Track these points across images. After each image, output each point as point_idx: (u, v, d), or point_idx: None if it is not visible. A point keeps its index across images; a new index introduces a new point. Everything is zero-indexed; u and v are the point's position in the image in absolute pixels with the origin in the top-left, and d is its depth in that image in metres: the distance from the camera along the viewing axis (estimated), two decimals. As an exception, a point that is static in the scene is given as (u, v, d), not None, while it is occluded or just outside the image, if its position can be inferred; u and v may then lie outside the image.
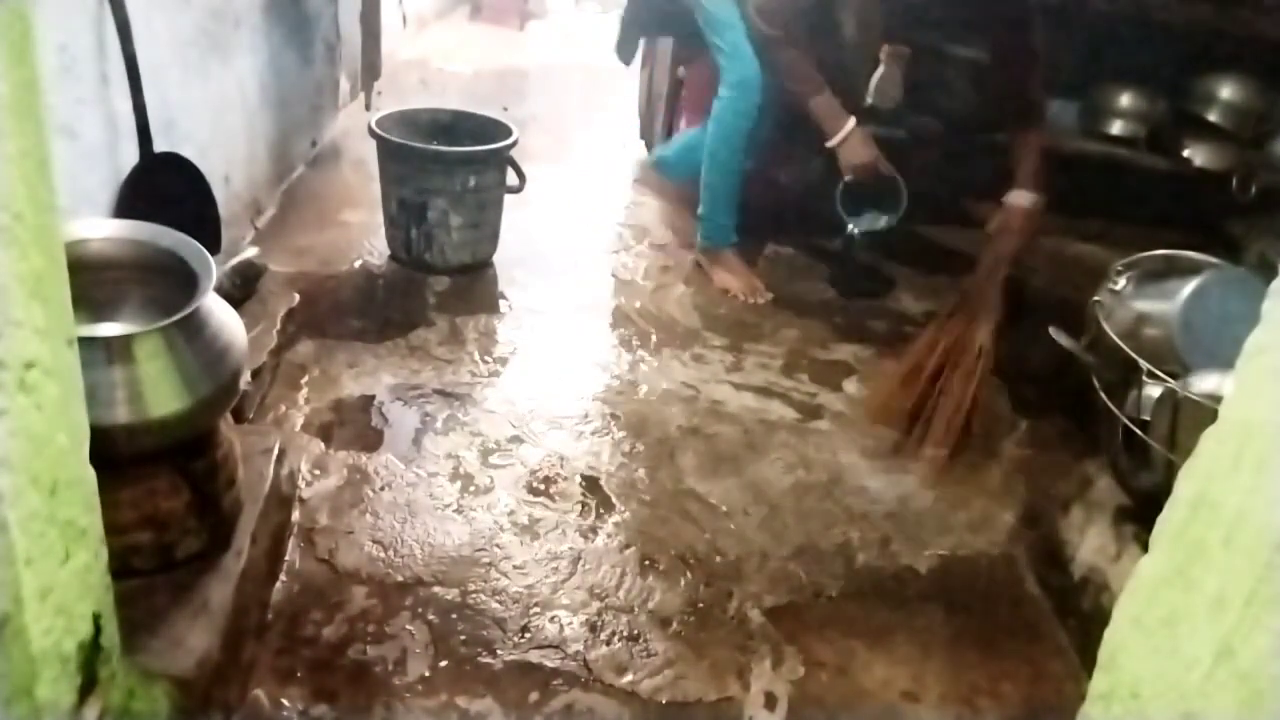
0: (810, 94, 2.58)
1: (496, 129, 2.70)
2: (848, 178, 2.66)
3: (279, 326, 2.08)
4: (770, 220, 3.15)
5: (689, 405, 2.24)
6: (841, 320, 2.75)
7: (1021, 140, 2.58)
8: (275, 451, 1.61)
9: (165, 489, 1.28)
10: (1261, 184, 3.41)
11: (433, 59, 4.98)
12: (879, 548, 1.88)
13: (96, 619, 0.98)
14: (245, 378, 1.41)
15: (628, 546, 1.78)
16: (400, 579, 1.63)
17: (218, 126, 2.38)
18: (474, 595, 1.62)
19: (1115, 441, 1.65)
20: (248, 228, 2.65)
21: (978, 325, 2.45)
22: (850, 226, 2.77)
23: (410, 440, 1.99)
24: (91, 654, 0.97)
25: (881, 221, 2.75)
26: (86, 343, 0.96)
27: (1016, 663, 1.64)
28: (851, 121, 2.58)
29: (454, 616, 1.57)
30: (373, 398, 2.11)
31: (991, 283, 2.55)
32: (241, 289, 2.05)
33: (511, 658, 1.51)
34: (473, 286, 2.67)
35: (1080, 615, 1.67)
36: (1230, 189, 3.44)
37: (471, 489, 1.87)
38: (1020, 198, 2.57)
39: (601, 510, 1.87)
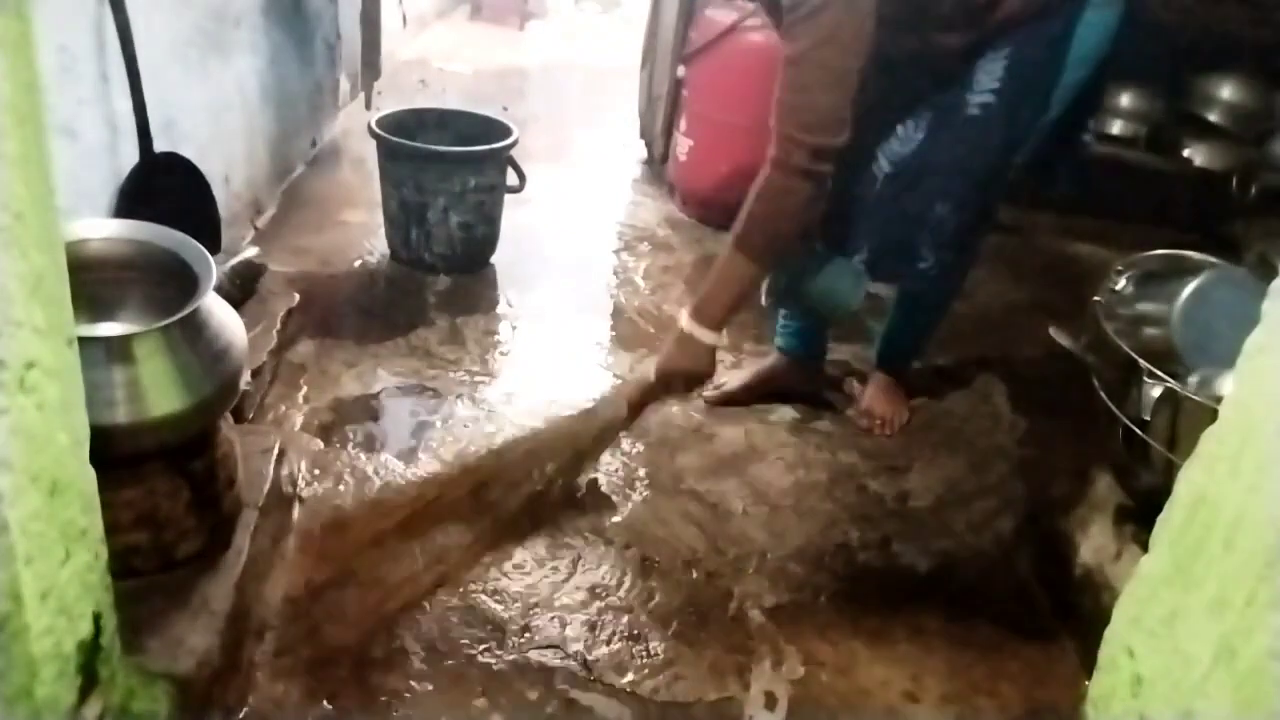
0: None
1: (496, 129, 2.70)
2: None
3: (279, 326, 2.08)
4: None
5: (689, 405, 2.24)
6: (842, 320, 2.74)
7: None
8: (275, 451, 1.61)
9: (165, 489, 1.28)
10: (1261, 184, 3.42)
11: (433, 59, 4.98)
12: (879, 548, 1.88)
13: (96, 619, 0.98)
14: (245, 378, 1.41)
15: (628, 547, 1.78)
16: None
17: (217, 126, 2.38)
18: (474, 595, 1.62)
19: (1115, 441, 1.65)
20: (248, 228, 2.65)
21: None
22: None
23: (410, 440, 1.99)
24: (91, 654, 0.97)
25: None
26: (86, 343, 0.96)
27: (1016, 663, 1.64)
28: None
29: (454, 616, 1.57)
30: (372, 398, 2.10)
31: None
32: (241, 289, 2.05)
33: (511, 658, 1.51)
34: (473, 286, 2.67)
35: (1080, 615, 1.67)
36: (1230, 189, 3.44)
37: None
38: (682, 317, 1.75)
39: (602, 510, 1.86)
